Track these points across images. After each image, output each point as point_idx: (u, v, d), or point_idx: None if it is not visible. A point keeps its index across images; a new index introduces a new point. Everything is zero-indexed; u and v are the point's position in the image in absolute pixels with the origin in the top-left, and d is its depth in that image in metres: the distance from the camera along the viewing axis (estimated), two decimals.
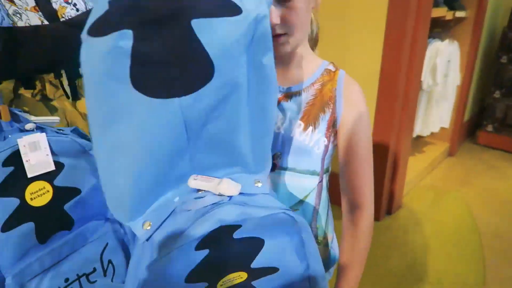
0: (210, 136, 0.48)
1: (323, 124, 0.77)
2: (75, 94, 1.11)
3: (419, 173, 2.66)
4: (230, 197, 0.48)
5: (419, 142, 2.99)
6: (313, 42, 0.85)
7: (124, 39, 0.41)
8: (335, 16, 1.99)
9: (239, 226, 0.45)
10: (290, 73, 0.80)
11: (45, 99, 1.05)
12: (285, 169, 0.79)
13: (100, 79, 0.42)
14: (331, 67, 0.80)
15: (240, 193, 0.49)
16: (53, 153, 0.77)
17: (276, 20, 0.71)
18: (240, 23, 0.44)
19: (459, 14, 2.54)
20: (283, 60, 0.79)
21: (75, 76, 1.10)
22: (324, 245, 0.84)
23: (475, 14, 2.67)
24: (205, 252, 0.45)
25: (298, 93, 0.78)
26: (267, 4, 0.47)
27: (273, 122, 0.53)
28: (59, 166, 0.78)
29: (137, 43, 0.41)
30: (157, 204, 0.49)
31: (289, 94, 0.79)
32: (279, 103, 0.79)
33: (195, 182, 0.49)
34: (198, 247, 0.44)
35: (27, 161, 0.73)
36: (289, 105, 0.78)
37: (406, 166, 2.35)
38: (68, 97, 1.06)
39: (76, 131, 0.83)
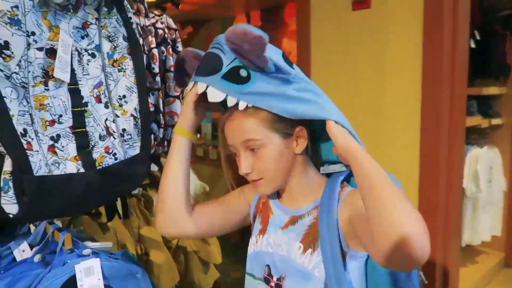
0: None
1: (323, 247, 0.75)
2: (126, 213, 1.20)
3: (473, 287, 2.46)
4: None
5: (470, 252, 2.81)
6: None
7: None
8: (370, 132, 2.09)
9: None
10: (294, 199, 0.84)
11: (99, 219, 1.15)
12: None
13: None
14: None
15: None
16: (104, 276, 0.82)
17: (246, 169, 0.77)
18: None
19: (495, 121, 2.57)
20: (282, 190, 0.85)
21: (126, 195, 1.20)
22: None
23: None
24: None
25: (302, 217, 0.81)
26: None
27: None
28: None
29: None
30: None
31: (295, 218, 0.82)
32: (286, 227, 0.82)
33: None
34: None
35: (81, 285, 0.79)
36: (293, 228, 0.81)
37: (458, 279, 2.19)
38: (120, 217, 1.15)
39: (126, 255, 0.90)
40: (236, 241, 2.91)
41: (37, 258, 0.82)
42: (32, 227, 0.94)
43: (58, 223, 1.11)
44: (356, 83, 1.99)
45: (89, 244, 0.84)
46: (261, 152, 0.76)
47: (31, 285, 0.76)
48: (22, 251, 0.83)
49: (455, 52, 1.92)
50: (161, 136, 1.20)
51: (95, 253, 0.83)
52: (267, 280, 0.84)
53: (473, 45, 2.39)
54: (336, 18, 2.02)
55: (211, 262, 1.31)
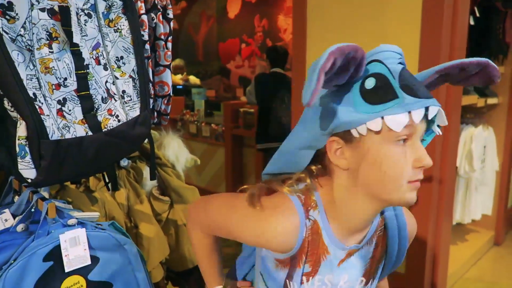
0: None
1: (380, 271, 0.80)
2: (115, 185, 1.17)
3: (463, 264, 2.49)
4: None
5: (461, 230, 2.84)
6: None
7: None
8: None
9: None
10: (351, 231, 0.72)
11: (88, 191, 1.12)
12: None
13: None
14: None
15: None
16: (90, 247, 0.80)
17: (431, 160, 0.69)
18: None
19: (491, 101, 2.55)
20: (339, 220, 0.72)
21: (114, 168, 1.17)
22: None
23: (509, 100, 2.67)
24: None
25: (360, 249, 0.74)
26: None
27: None
28: (94, 260, 0.81)
29: None
30: None
31: (352, 252, 0.73)
32: (342, 262, 0.73)
33: None
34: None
35: (66, 256, 0.77)
36: (350, 263, 0.74)
37: (448, 256, 2.21)
38: (108, 189, 1.12)
39: (113, 225, 0.87)
40: None
41: (20, 227, 0.79)
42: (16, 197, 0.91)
43: (45, 194, 1.08)
44: None
45: (75, 214, 0.82)
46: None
47: (14, 254, 0.74)
48: (4, 220, 0.80)
49: (454, 29, 1.88)
50: (151, 107, 1.16)
51: (81, 223, 0.81)
52: None
53: (472, 22, 2.34)
54: None
55: None
